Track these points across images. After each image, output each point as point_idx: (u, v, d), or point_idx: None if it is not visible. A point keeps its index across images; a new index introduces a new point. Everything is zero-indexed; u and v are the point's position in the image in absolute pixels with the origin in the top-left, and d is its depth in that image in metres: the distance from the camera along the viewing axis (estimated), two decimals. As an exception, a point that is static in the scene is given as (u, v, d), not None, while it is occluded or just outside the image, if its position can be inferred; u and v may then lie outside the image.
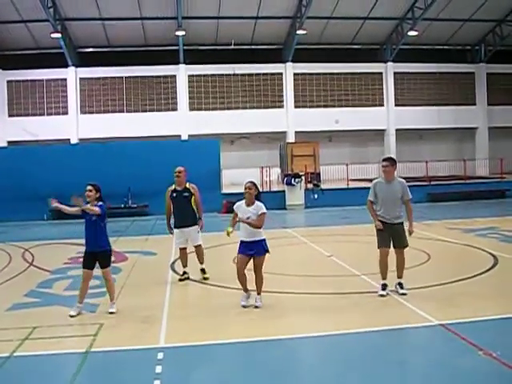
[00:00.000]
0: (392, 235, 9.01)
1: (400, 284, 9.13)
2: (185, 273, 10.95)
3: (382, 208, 9.04)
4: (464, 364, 6.06)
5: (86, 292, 8.67)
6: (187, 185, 10.78)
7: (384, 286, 9.08)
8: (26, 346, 7.00)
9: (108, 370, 6.30)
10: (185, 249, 10.97)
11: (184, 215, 10.72)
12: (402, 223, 9.07)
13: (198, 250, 11.00)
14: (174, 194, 10.72)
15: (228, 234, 8.39)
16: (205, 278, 10.84)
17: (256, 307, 8.48)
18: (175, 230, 10.91)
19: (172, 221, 10.99)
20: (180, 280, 10.83)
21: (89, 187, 8.52)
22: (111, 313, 8.46)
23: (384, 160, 9.18)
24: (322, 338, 7.18)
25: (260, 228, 8.46)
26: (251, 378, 6.01)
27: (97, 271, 8.79)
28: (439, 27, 37.60)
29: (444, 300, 8.72)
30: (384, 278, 9.14)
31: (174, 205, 10.76)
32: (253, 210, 8.44)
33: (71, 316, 8.31)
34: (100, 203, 8.50)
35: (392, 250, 9.11)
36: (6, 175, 23.62)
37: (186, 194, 10.71)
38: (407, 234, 9.11)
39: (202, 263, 11.01)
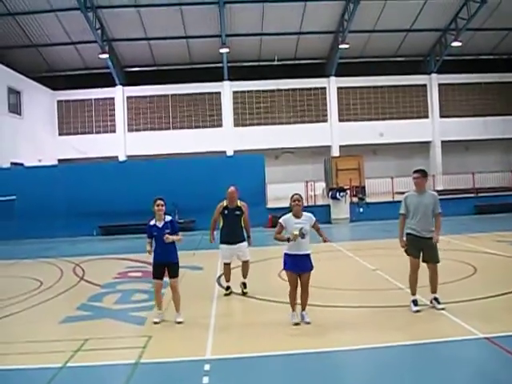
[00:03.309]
0: (423, 250, 8.93)
1: (436, 299, 9.01)
2: (228, 287, 11.11)
3: (413, 221, 8.96)
4: (507, 377, 6.06)
5: (162, 299, 9.19)
6: (239, 203, 10.98)
7: (415, 302, 8.98)
8: (78, 357, 7.26)
9: (157, 381, 6.50)
10: (229, 264, 11.13)
11: (234, 232, 10.92)
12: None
13: (245, 265, 11.14)
14: (226, 212, 10.92)
15: (295, 236, 8.27)
16: (244, 293, 10.97)
17: (307, 323, 8.42)
18: (223, 246, 11.05)
19: (216, 234, 11.19)
20: (225, 295, 11.00)
21: (161, 202, 9.00)
22: (179, 322, 8.84)
23: (415, 172, 9.09)
24: (366, 351, 7.23)
25: None
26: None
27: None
28: (483, 37, 37.17)
29: (490, 313, 8.65)
30: (413, 293, 9.06)
31: (225, 222, 10.97)
32: (304, 221, 8.44)
33: (155, 323, 8.82)
34: (170, 218, 9.14)
35: (424, 265, 9.06)
36: (57, 192, 24.27)
37: (238, 212, 10.91)
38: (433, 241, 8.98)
39: (245, 277, 11.14)
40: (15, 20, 32.26)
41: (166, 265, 9.01)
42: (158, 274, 9.05)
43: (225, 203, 10.98)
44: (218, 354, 7.21)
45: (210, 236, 11.24)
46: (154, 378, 6.62)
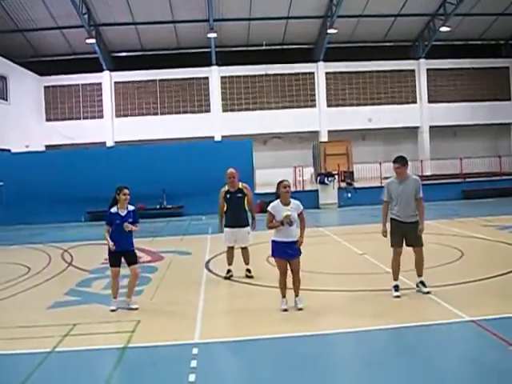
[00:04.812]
0: (406, 234, 8.90)
1: (422, 282, 9.02)
2: (229, 271, 11.06)
3: (396, 207, 8.96)
4: (493, 359, 6.11)
5: (118, 287, 9.07)
6: (240, 185, 10.90)
7: (396, 288, 8.97)
8: (66, 341, 7.27)
9: (145, 364, 6.51)
10: (233, 248, 11.09)
11: (237, 216, 10.83)
12: (416, 222, 8.92)
13: (245, 251, 11.11)
14: (228, 196, 10.82)
15: (287, 217, 8.17)
16: (248, 277, 10.93)
17: (300, 309, 8.31)
18: (226, 229, 10.98)
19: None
20: (225, 278, 10.96)
21: (127, 191, 8.88)
22: (135, 309, 8.77)
23: (395, 161, 9.03)
24: (354, 334, 7.29)
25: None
26: (284, 372, 6.15)
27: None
28: (472, 22, 37.24)
29: (477, 297, 8.71)
30: (395, 278, 9.04)
31: (229, 206, 10.87)
32: (291, 209, 8.30)
33: (112, 311, 8.74)
34: (133, 208, 8.99)
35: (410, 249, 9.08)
36: (44, 178, 24.14)
37: (240, 194, 10.82)
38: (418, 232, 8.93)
39: (247, 264, 11.11)
40: (0, 4, 31.86)
41: (122, 253, 8.89)
42: (115, 262, 8.91)
43: (226, 188, 10.89)
44: (206, 338, 7.22)
45: (219, 225, 11.06)
46: (142, 361, 6.63)
